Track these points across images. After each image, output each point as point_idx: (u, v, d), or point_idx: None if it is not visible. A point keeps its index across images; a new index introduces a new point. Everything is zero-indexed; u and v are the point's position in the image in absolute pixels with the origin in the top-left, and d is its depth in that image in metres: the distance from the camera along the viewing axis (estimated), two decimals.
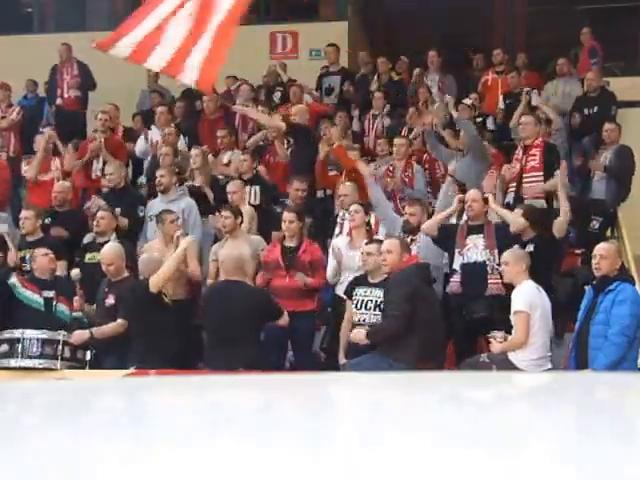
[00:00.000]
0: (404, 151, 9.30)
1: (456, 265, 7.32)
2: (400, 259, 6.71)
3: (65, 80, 12.19)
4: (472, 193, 7.56)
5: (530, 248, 7.12)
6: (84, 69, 12.18)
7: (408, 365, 6.16)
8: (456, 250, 7.35)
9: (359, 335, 6.69)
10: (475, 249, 7.27)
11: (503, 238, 7.25)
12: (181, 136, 10.67)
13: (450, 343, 7.59)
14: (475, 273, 7.19)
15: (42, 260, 7.61)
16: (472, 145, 8.89)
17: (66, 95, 12.13)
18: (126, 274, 7.43)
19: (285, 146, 10.14)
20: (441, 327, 6.77)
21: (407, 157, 9.38)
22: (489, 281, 7.16)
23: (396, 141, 9.47)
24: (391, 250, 6.75)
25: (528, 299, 6.43)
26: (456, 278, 7.29)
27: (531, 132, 8.50)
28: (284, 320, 6.98)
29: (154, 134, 10.85)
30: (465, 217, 7.62)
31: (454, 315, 7.31)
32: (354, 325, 7.02)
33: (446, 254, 7.69)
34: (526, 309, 6.38)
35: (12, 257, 8.24)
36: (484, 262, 7.19)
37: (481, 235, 7.31)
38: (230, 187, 8.74)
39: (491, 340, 6.57)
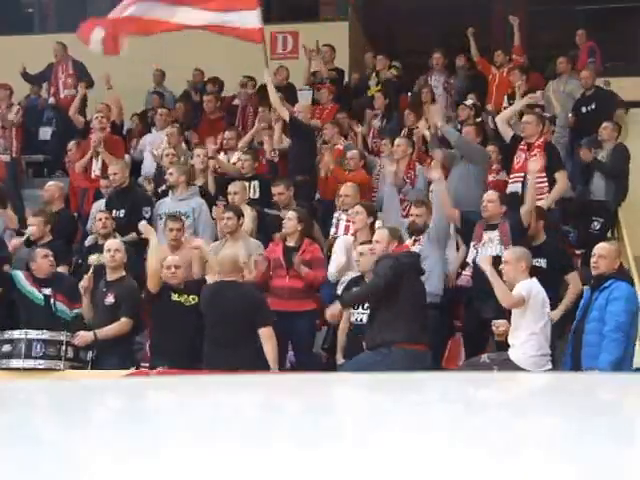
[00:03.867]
0: (402, 151, 9.19)
1: (469, 259, 7.30)
2: (387, 247, 6.76)
3: (60, 79, 12.21)
4: (489, 194, 7.53)
5: (542, 263, 7.09)
6: (79, 67, 12.16)
7: (397, 346, 6.14)
8: (472, 243, 7.33)
9: (333, 309, 6.61)
10: (490, 243, 7.19)
11: (518, 239, 7.11)
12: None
13: (450, 342, 7.59)
14: None
15: (42, 262, 7.62)
16: (462, 151, 8.85)
17: (62, 95, 12.14)
18: (123, 273, 7.44)
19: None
20: (424, 314, 6.72)
21: (409, 158, 9.31)
22: (503, 278, 7.05)
23: (396, 141, 9.44)
24: (378, 240, 6.85)
25: (532, 291, 6.42)
26: (467, 272, 7.25)
27: (532, 131, 8.42)
28: (266, 333, 6.65)
29: (153, 137, 10.88)
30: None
31: (465, 310, 7.27)
32: (351, 325, 7.03)
33: (448, 253, 7.68)
34: (525, 295, 6.35)
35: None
36: (498, 257, 7.09)
37: (496, 231, 7.27)
38: (232, 188, 8.73)
39: (493, 329, 6.59)
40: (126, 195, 9.04)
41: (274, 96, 9.71)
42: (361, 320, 6.96)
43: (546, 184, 8.21)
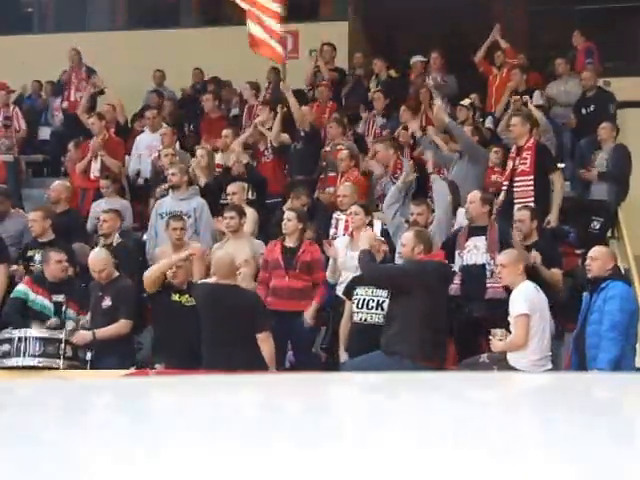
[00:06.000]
0: (382, 156, 9.04)
1: (456, 267, 7.27)
2: (412, 251, 6.69)
3: (74, 84, 12.27)
4: (471, 195, 7.53)
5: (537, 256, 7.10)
6: (92, 74, 12.24)
7: (409, 360, 6.16)
8: (456, 252, 7.31)
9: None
10: (476, 251, 7.19)
11: (508, 241, 7.13)
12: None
13: (451, 343, 7.59)
14: (474, 275, 7.10)
15: (55, 267, 7.48)
16: (466, 150, 8.86)
17: (72, 98, 12.18)
18: (116, 274, 7.39)
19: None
20: (445, 327, 6.75)
21: (394, 159, 9.18)
22: (487, 285, 7.05)
23: (375, 147, 9.37)
24: (404, 243, 6.80)
25: (529, 299, 6.42)
26: (456, 280, 7.24)
27: (519, 132, 8.38)
28: (264, 338, 6.62)
29: (150, 139, 10.84)
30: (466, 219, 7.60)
31: (454, 315, 7.27)
32: (354, 324, 7.02)
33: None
34: (526, 311, 6.37)
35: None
36: (484, 265, 7.15)
37: (483, 237, 7.25)
38: (230, 188, 8.72)
39: (491, 338, 6.56)
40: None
41: (296, 107, 9.86)
42: (365, 320, 6.95)
43: (532, 187, 8.15)
